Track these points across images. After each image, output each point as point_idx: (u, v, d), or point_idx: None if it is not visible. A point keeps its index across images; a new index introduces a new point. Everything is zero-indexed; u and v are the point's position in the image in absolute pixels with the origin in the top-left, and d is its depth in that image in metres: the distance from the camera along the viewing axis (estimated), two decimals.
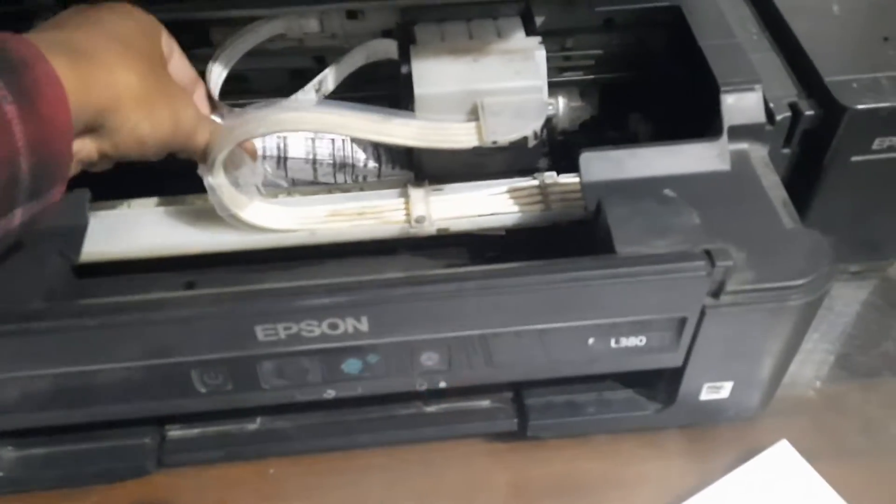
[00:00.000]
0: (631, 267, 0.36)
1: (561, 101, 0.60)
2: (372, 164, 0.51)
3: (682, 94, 0.53)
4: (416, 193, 0.50)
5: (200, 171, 0.44)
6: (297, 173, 0.49)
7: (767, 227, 0.42)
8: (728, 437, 0.48)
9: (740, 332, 0.40)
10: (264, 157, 0.49)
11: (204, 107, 0.45)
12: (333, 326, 0.35)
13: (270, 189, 0.50)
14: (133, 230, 0.46)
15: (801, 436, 0.48)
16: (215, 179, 0.44)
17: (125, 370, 0.37)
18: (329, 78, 0.51)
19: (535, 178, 0.51)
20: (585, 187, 0.44)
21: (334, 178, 0.50)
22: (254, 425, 0.45)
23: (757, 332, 0.40)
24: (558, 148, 0.58)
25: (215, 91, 0.51)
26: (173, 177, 0.46)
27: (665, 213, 0.40)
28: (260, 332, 0.35)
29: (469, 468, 0.46)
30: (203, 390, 0.38)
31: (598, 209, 0.41)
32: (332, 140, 0.50)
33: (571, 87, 0.59)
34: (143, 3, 0.41)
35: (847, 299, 0.56)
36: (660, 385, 0.45)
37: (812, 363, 0.53)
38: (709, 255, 0.37)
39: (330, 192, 0.50)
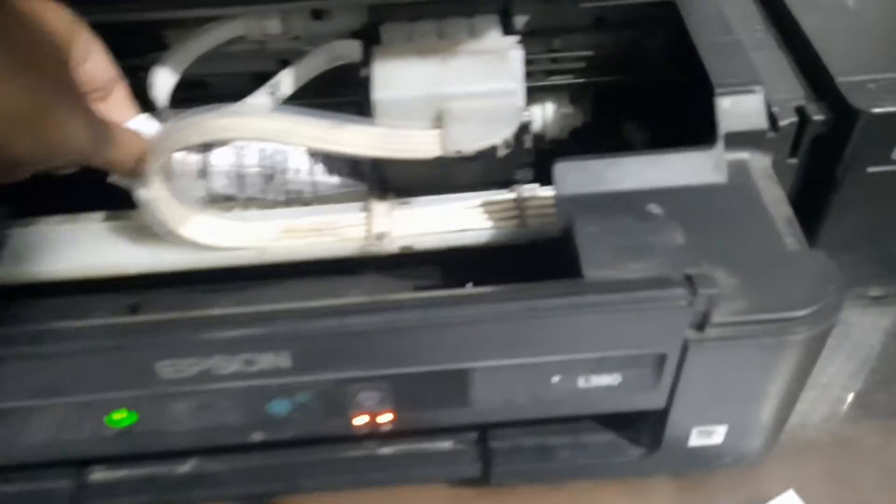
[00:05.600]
0: (596, 295, 0.31)
1: (549, 107, 0.55)
2: (305, 175, 0.46)
3: (681, 99, 0.47)
4: (379, 207, 0.45)
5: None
6: (221, 187, 0.45)
7: (766, 248, 0.36)
8: (725, 486, 0.42)
9: (732, 370, 0.35)
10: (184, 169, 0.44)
11: (122, 111, 0.40)
12: (249, 363, 0.31)
13: (223, 203, 0.46)
14: (61, 248, 0.42)
15: (810, 485, 0.42)
16: (149, 192, 0.39)
17: (20, 410, 0.32)
18: (286, 81, 0.47)
19: (512, 191, 0.46)
20: (560, 202, 0.39)
21: (264, 191, 0.45)
22: (185, 467, 0.40)
23: (752, 371, 0.35)
24: (546, 158, 0.53)
25: (163, 97, 0.47)
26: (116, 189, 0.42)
27: (645, 232, 0.35)
28: (162, 369, 0.30)
29: None
30: (108, 433, 0.34)
31: (569, 226, 0.36)
32: (261, 149, 0.45)
33: (561, 92, 0.54)
34: (83, 4, 0.36)
35: (866, 328, 0.50)
36: (643, 427, 0.39)
37: (826, 401, 0.47)
38: (690, 281, 0.32)
39: (288, 206, 0.46)
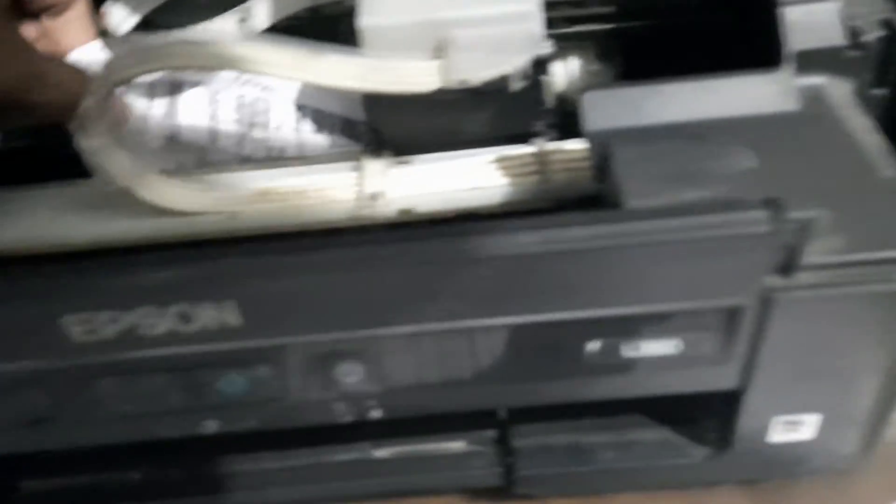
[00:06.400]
0: (644, 221, 0.23)
1: (573, 64, 0.48)
2: (290, 130, 0.39)
3: (733, 45, 0.40)
4: (372, 166, 0.38)
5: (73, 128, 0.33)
6: (190, 136, 0.38)
7: (860, 179, 0.28)
8: (814, 498, 0.33)
9: (831, 332, 0.26)
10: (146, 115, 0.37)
11: (77, 32, 0.34)
12: (185, 318, 0.23)
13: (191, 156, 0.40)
14: None
15: None
16: (92, 141, 0.33)
17: None
18: (260, 8, 0.40)
19: (531, 145, 0.39)
20: (592, 139, 0.32)
21: (240, 145, 0.38)
22: (136, 475, 0.32)
23: (857, 333, 0.26)
24: (571, 122, 0.46)
25: (119, 28, 0.41)
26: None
27: (702, 157, 0.27)
28: (73, 328, 0.23)
29: None
30: (13, 417, 0.26)
31: (605, 156, 0.28)
32: (240, 95, 0.38)
33: (586, 46, 0.47)
34: None
35: None
36: (708, 420, 0.31)
37: None
38: (772, 204, 0.24)
39: (267, 165, 0.39)
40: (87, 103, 0.32)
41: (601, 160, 0.30)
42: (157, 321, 0.23)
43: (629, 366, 0.26)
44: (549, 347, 0.26)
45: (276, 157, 0.40)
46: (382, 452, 0.33)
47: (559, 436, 0.32)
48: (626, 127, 0.32)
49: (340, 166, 0.38)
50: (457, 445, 0.33)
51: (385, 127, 0.39)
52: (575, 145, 0.37)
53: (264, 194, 0.37)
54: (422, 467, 0.33)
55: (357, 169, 0.37)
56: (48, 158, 0.40)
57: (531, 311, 0.25)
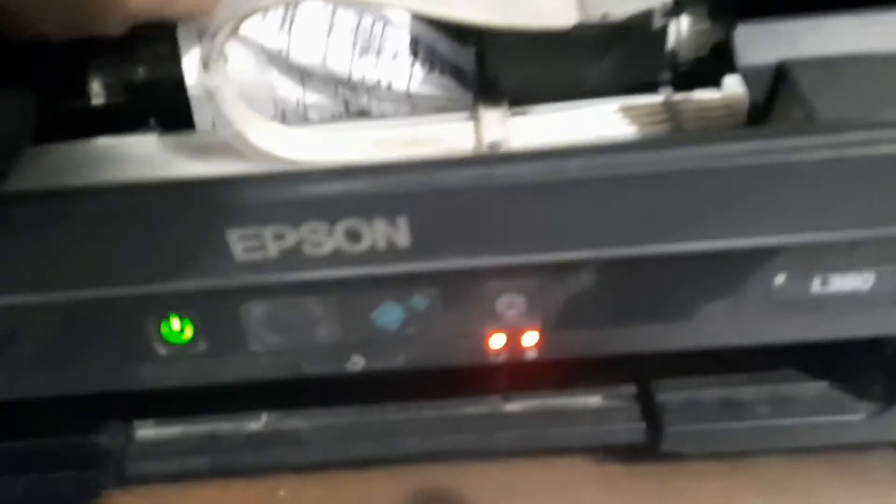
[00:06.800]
0: (854, 132, 0.21)
1: (684, 23, 0.46)
2: (402, 65, 0.37)
3: None
4: (489, 115, 0.36)
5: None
6: (300, 51, 0.36)
7: None
8: None
9: None
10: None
11: None
12: (354, 236, 0.22)
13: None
14: (107, 163, 0.35)
15: None
16: (213, 78, 0.31)
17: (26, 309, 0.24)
18: None
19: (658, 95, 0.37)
20: (747, 74, 0.30)
21: (351, 71, 0.36)
22: (257, 424, 0.31)
23: None
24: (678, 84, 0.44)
25: None
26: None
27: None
28: (236, 241, 0.22)
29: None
30: (163, 351, 0.25)
31: (778, 78, 0.27)
32: (359, 18, 0.37)
33: (696, 4, 0.45)
34: None
35: None
36: (872, 371, 0.29)
37: None
38: None
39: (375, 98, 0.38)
40: (210, 40, 0.30)
41: (766, 94, 0.28)
42: (325, 238, 0.22)
43: (816, 305, 0.24)
44: (734, 281, 0.24)
45: (384, 91, 0.38)
46: (514, 406, 0.31)
47: (708, 390, 0.30)
48: (786, 60, 0.30)
49: (455, 116, 0.37)
50: (594, 400, 0.31)
51: (501, 74, 0.37)
52: (706, 94, 0.36)
53: (379, 143, 0.36)
54: (554, 423, 0.31)
55: (473, 118, 0.36)
56: (147, 114, 0.39)
57: (726, 235, 0.23)
